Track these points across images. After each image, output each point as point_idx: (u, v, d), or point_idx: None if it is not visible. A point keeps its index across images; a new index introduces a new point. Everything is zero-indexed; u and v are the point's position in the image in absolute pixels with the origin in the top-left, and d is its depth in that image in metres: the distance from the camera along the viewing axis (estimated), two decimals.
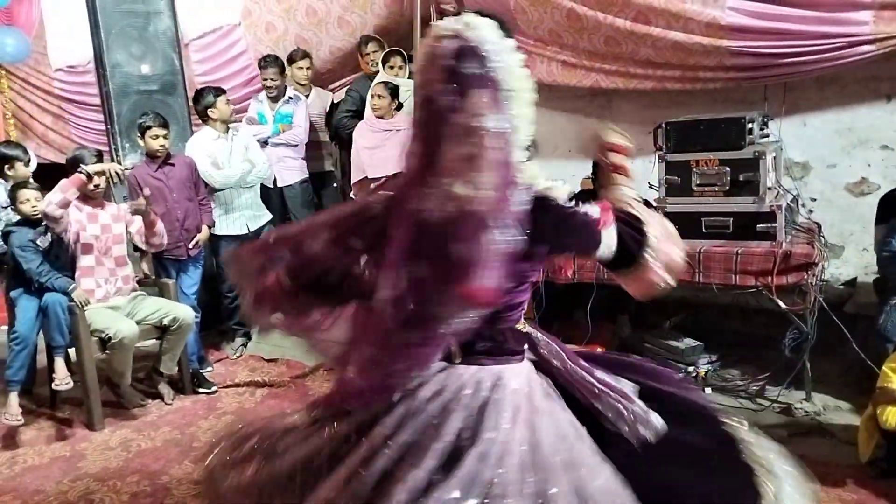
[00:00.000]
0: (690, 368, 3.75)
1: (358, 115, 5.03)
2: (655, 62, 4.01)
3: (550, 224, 1.52)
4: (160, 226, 4.05)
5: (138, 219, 4.00)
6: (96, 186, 3.87)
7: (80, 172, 3.77)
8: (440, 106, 1.39)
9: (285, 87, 5.16)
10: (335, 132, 5.33)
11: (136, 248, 4.25)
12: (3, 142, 4.95)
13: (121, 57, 4.87)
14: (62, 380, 3.72)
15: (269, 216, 4.94)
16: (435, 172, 1.34)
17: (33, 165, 4.63)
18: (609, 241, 1.61)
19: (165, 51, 5.05)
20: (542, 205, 1.50)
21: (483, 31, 1.44)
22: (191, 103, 5.00)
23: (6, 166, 4.26)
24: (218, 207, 4.67)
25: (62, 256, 3.84)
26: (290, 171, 5.17)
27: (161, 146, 4.27)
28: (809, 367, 3.37)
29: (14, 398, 3.71)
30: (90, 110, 6.14)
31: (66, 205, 3.69)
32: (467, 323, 1.31)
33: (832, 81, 3.85)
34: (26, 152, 4.44)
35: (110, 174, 3.94)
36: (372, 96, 4.74)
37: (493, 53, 1.42)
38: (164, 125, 4.29)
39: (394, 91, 4.70)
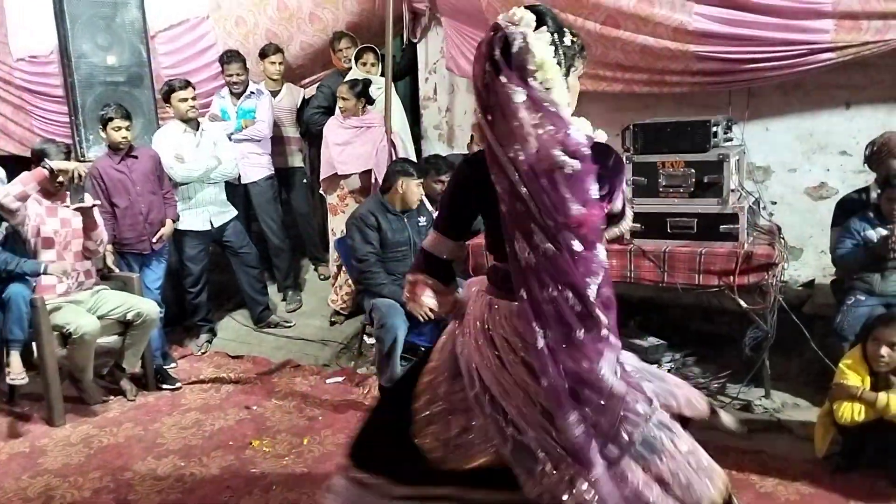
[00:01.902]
0: (654, 366, 3.81)
1: (329, 111, 5.02)
2: (624, 65, 4.07)
3: (612, 166, 1.82)
4: (101, 233, 3.94)
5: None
6: (59, 183, 3.79)
7: (44, 167, 3.69)
8: (481, 86, 1.70)
9: (248, 82, 5.12)
10: (306, 128, 5.31)
11: None
12: None
13: (86, 47, 4.78)
14: (17, 374, 3.62)
15: (234, 212, 4.89)
16: (500, 142, 1.66)
17: None
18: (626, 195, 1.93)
19: (132, 42, 4.97)
20: (604, 150, 1.80)
21: (519, 22, 1.68)
22: (158, 95, 4.93)
23: None
24: (181, 202, 4.61)
25: (19, 250, 3.74)
26: (255, 167, 5.12)
27: (123, 138, 4.19)
28: (769, 366, 3.46)
29: None
30: (53, 101, 6.00)
31: (24, 198, 3.61)
32: (590, 245, 1.64)
33: (794, 88, 3.95)
34: None
35: (73, 174, 3.77)
36: (338, 98, 4.74)
37: (520, 41, 1.66)
38: (127, 116, 4.21)
39: (361, 91, 4.68)
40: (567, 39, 1.75)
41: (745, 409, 3.45)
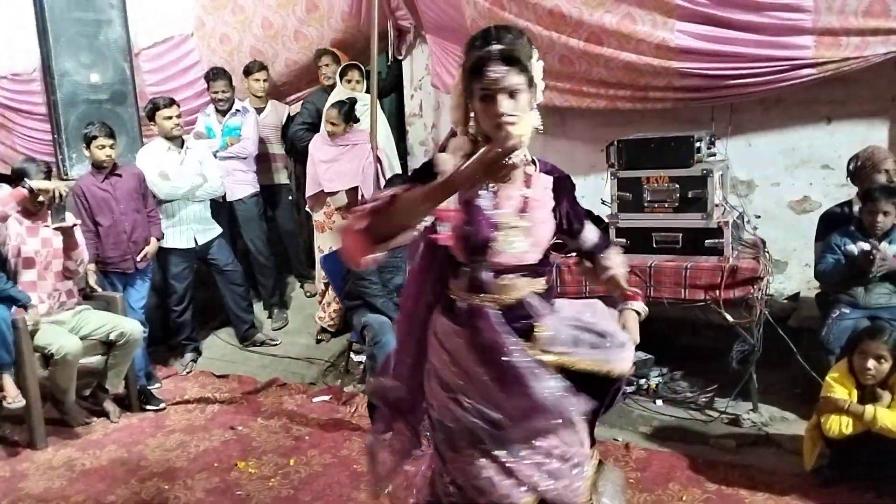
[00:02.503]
0: (642, 381, 3.82)
1: (314, 127, 5.01)
2: (608, 82, 4.11)
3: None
4: (81, 252, 3.89)
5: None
6: (40, 203, 3.74)
7: (24, 187, 3.65)
8: None
9: (234, 99, 5.11)
10: (291, 145, 5.30)
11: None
12: None
13: (69, 65, 4.76)
14: (14, 398, 3.56)
15: (218, 230, 4.85)
16: None
17: None
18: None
19: (116, 60, 4.95)
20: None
21: None
22: (141, 113, 4.91)
23: None
24: (165, 219, 4.57)
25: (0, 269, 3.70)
26: (240, 184, 5.10)
27: (107, 156, 4.15)
28: (756, 379, 3.46)
29: None
30: (36, 119, 5.98)
31: (3, 218, 3.57)
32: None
33: (776, 103, 4.00)
34: None
35: (54, 194, 3.70)
36: (326, 122, 4.72)
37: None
38: (111, 135, 4.18)
39: (347, 113, 4.67)
40: (468, 62, 1.65)
41: (734, 422, 3.44)
